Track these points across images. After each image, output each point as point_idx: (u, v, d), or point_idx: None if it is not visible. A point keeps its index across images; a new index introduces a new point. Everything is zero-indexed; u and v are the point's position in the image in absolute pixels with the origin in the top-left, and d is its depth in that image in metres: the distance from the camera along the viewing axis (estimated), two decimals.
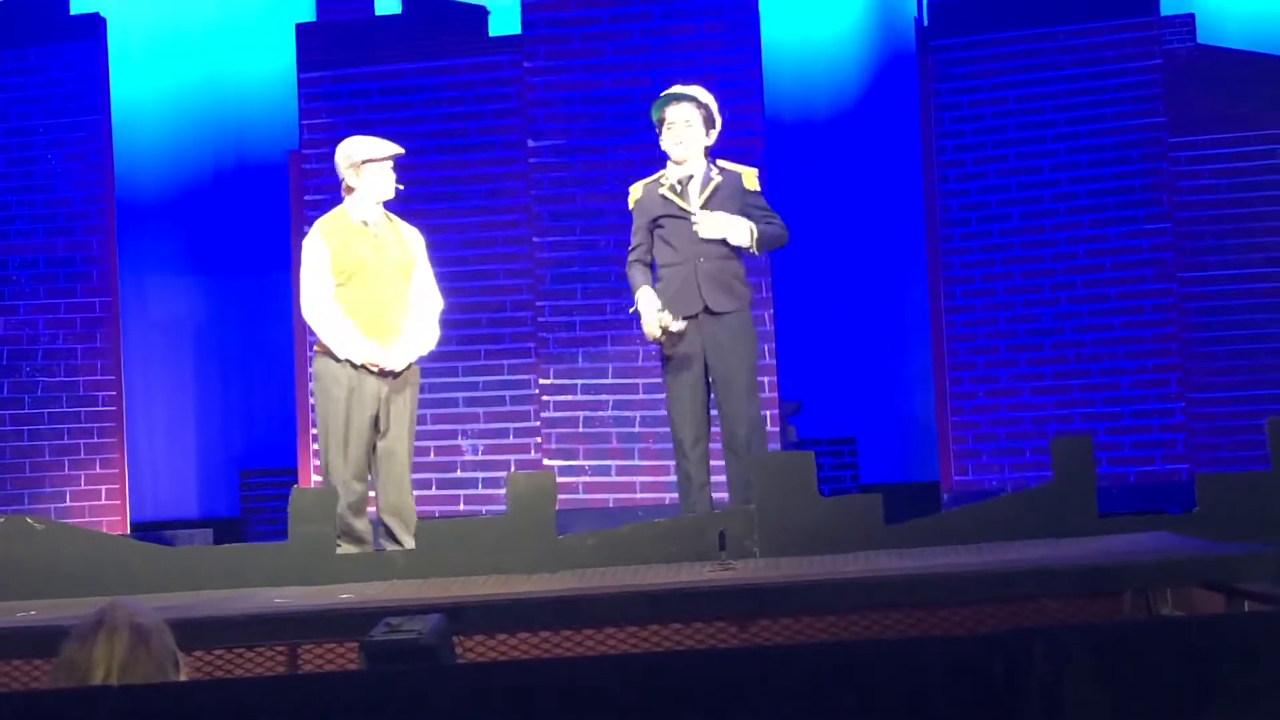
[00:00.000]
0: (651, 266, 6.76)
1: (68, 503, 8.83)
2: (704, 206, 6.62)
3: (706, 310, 6.56)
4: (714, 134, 6.75)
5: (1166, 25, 8.81)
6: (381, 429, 6.57)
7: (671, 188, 6.69)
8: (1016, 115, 8.82)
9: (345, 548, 6.38)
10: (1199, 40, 8.94)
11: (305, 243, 6.73)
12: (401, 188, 6.73)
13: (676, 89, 6.80)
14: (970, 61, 8.91)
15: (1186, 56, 8.83)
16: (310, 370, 6.78)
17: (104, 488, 8.88)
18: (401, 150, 6.74)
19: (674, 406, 6.61)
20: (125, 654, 3.05)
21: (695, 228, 6.58)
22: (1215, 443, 8.59)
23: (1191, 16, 9.02)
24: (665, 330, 6.48)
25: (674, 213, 6.65)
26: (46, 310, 8.97)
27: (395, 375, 6.57)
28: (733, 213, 6.61)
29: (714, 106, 6.75)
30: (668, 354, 6.59)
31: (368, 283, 6.59)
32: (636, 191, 6.80)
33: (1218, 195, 8.77)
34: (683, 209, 6.64)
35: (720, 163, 6.78)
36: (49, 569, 5.89)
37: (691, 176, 6.69)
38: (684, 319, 6.52)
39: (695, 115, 6.68)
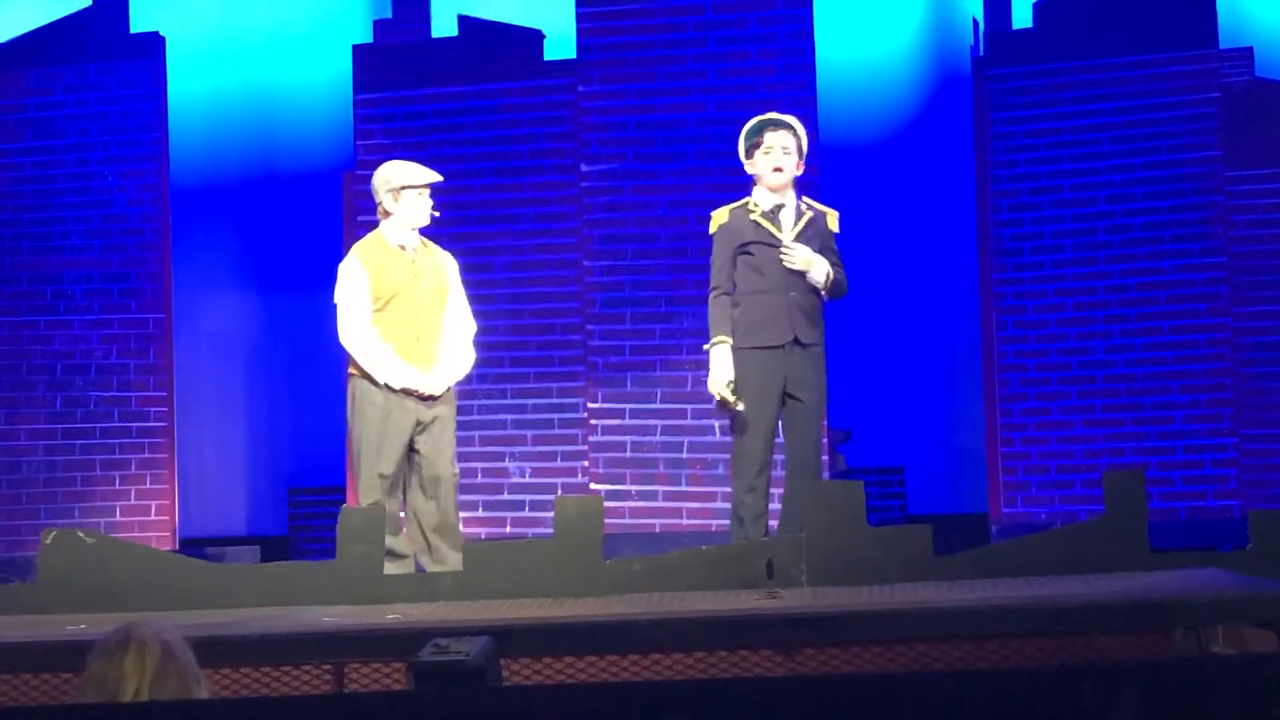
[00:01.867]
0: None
1: (117, 517, 8.88)
2: (794, 239, 6.60)
3: (796, 341, 6.55)
4: (802, 166, 6.73)
5: (1225, 58, 8.75)
6: (423, 453, 6.63)
7: (764, 214, 6.65)
8: (1072, 146, 8.78)
9: (388, 566, 6.41)
10: (1257, 73, 8.89)
11: (342, 267, 6.79)
12: (438, 214, 6.79)
13: (776, 115, 6.76)
14: (1026, 91, 8.88)
15: (1244, 89, 8.77)
16: (346, 393, 6.81)
17: (154, 503, 8.93)
18: (439, 178, 6.78)
19: (749, 437, 6.55)
20: (156, 668, 3.08)
21: (784, 258, 6.55)
22: (1268, 479, 8.51)
23: (1250, 49, 8.96)
24: (722, 399, 6.47)
25: (766, 240, 6.61)
26: (100, 325, 9.04)
27: (435, 399, 6.63)
28: (814, 250, 6.60)
29: (805, 139, 6.73)
30: (732, 410, 6.53)
31: (405, 307, 6.66)
32: (722, 216, 6.71)
33: (1274, 230, 8.70)
34: (775, 237, 6.61)
35: (806, 199, 6.77)
36: (99, 583, 5.92)
37: (782, 206, 6.67)
38: (769, 347, 6.51)
39: (793, 144, 6.67)
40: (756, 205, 6.68)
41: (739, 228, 6.65)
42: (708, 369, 6.68)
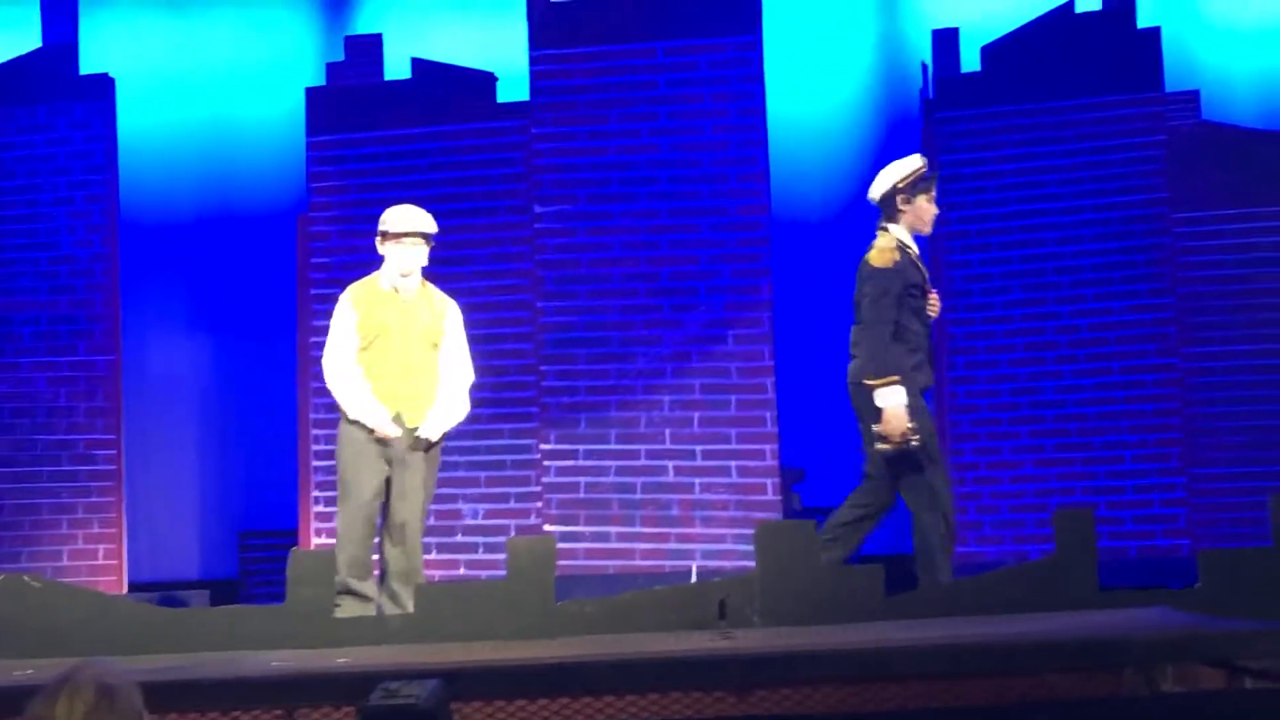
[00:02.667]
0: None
1: (65, 562, 8.79)
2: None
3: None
4: None
5: (1171, 101, 8.84)
6: (396, 494, 6.64)
7: (919, 258, 6.71)
8: (1020, 188, 8.85)
9: (349, 607, 6.41)
10: (1203, 116, 8.98)
11: (336, 306, 6.90)
12: (425, 264, 6.85)
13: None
14: (974, 134, 8.95)
15: (1191, 132, 8.86)
16: (338, 431, 6.82)
17: (102, 547, 8.85)
18: (422, 228, 6.81)
19: (935, 470, 6.55)
20: (86, 712, 3.05)
21: (933, 306, 6.70)
22: (1217, 518, 8.56)
23: (1196, 93, 9.06)
24: (904, 436, 6.44)
25: (922, 285, 6.67)
26: (48, 368, 8.98)
27: (427, 448, 6.71)
28: None
29: None
30: (905, 447, 6.48)
31: (390, 348, 6.72)
32: (897, 255, 6.59)
33: (1221, 271, 8.78)
34: (927, 283, 6.71)
35: None
36: (46, 628, 5.86)
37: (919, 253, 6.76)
38: (925, 389, 6.66)
39: None
40: (911, 248, 6.68)
41: (908, 269, 6.62)
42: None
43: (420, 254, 6.82)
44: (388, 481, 6.66)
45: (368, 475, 6.64)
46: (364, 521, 6.65)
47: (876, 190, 6.74)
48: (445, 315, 6.89)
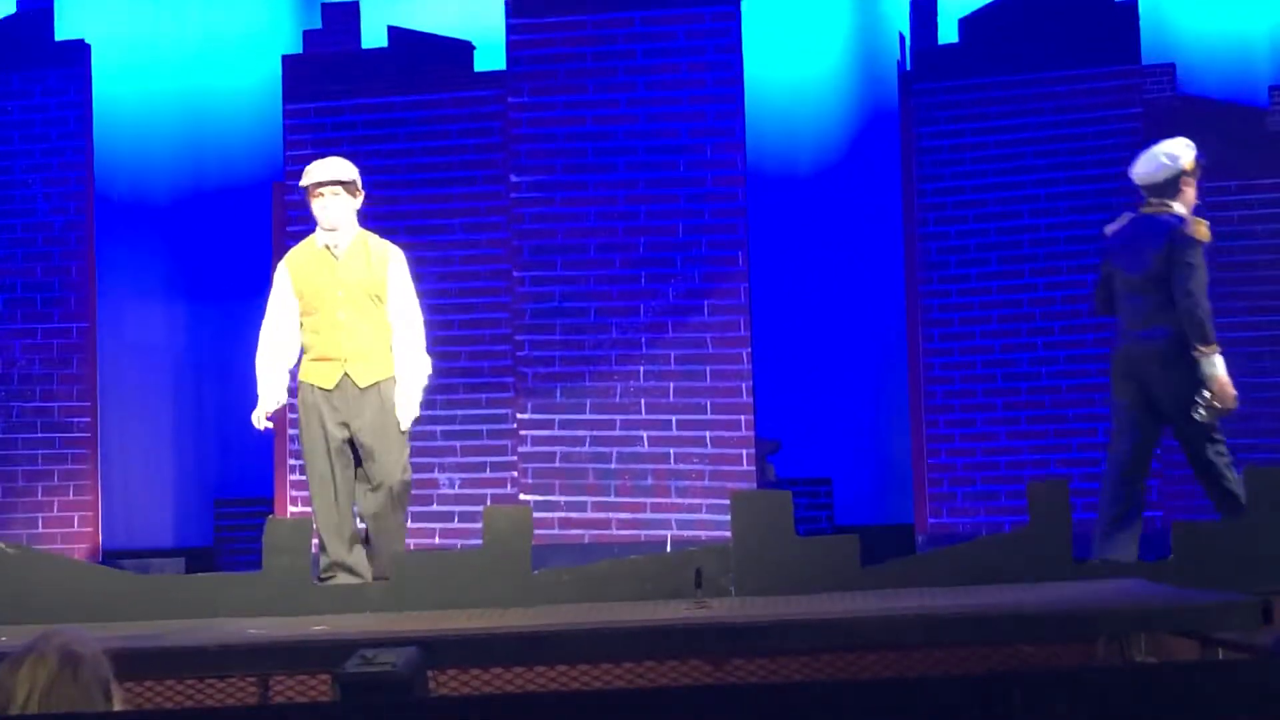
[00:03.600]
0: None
1: (40, 529, 8.77)
2: None
3: None
4: None
5: (1148, 74, 8.86)
6: (364, 456, 6.58)
7: None
8: (997, 160, 8.87)
9: (343, 578, 6.37)
10: (1179, 90, 9.00)
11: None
12: (349, 213, 6.67)
13: None
14: (952, 106, 8.95)
15: (1167, 105, 8.89)
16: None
17: (76, 514, 8.83)
18: (326, 177, 6.63)
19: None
20: (49, 679, 3.05)
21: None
22: (1190, 490, 8.58)
23: (1172, 66, 9.08)
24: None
25: None
26: (23, 335, 8.94)
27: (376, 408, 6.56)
28: None
29: None
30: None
31: (323, 307, 6.63)
32: (1207, 232, 6.89)
33: None
34: None
35: None
36: (21, 595, 5.85)
37: None
38: None
39: None
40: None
41: None
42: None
43: (338, 204, 6.61)
44: (352, 445, 6.58)
45: (320, 440, 6.56)
46: (328, 487, 6.54)
47: (1160, 173, 6.91)
48: (387, 265, 6.68)
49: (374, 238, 6.79)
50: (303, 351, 6.72)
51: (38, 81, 9.04)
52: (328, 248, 6.67)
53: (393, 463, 6.60)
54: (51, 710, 3.00)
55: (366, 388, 6.58)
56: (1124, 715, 2.64)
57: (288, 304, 6.70)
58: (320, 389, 6.59)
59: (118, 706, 3.18)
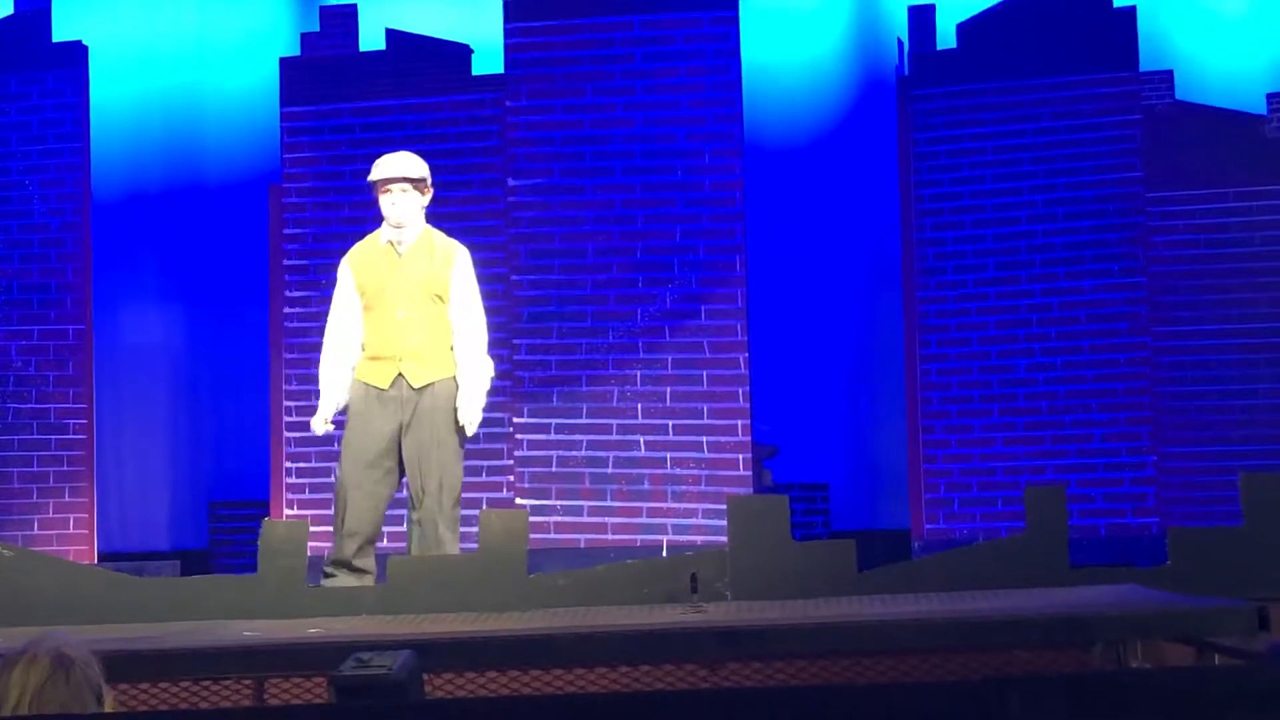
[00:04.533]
0: None
1: (35, 531, 8.76)
2: None
3: None
4: None
5: (1146, 81, 8.87)
6: (409, 460, 6.41)
7: None
8: (994, 166, 8.87)
9: (343, 580, 6.31)
10: (1177, 96, 9.01)
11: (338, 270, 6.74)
12: (417, 209, 6.55)
13: None
14: (949, 111, 8.96)
15: (1165, 112, 8.90)
16: None
17: (72, 516, 8.82)
18: (397, 173, 6.52)
19: None
20: (41, 682, 3.07)
21: None
22: (1187, 497, 8.62)
23: (1170, 73, 9.09)
24: None
25: None
26: (19, 336, 8.93)
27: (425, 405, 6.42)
28: None
29: None
30: None
31: (385, 305, 6.49)
32: None
33: (1193, 250, 8.82)
34: None
35: None
36: (16, 597, 5.84)
37: None
38: None
39: None
40: None
41: None
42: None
43: (407, 201, 6.50)
44: (399, 449, 6.42)
45: (364, 441, 6.41)
46: (360, 491, 6.39)
47: None
48: (451, 264, 6.55)
49: (440, 235, 6.65)
50: (362, 349, 6.56)
51: (35, 83, 9.04)
52: (392, 244, 6.54)
53: (441, 466, 6.40)
54: (43, 713, 3.01)
55: (421, 388, 6.43)
56: None
57: (350, 302, 6.56)
58: (374, 388, 6.45)
59: (109, 709, 3.19)
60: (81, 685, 3.11)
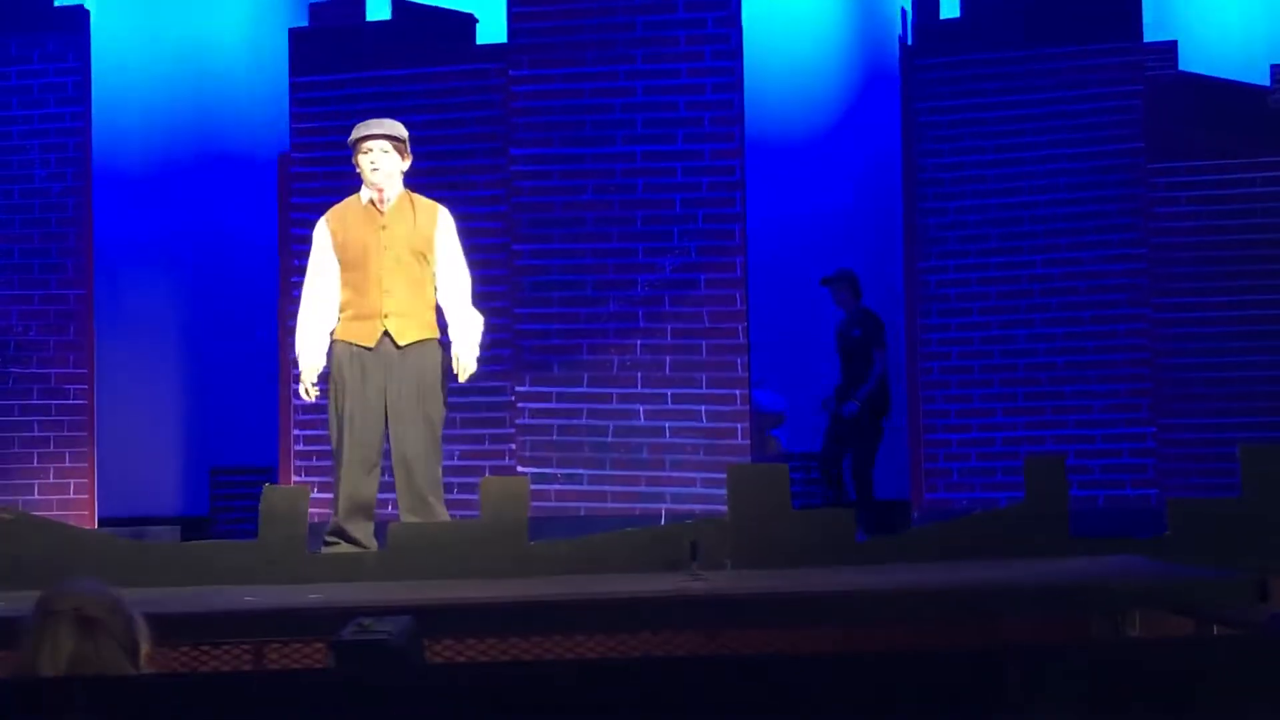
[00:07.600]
0: None
1: (35, 495, 8.77)
2: None
3: None
4: None
5: (1149, 51, 8.84)
6: (393, 420, 6.39)
7: None
8: (997, 136, 8.84)
9: (344, 548, 6.30)
10: (1181, 67, 8.99)
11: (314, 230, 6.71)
12: (397, 169, 6.56)
13: None
14: (952, 81, 8.93)
15: (1168, 83, 8.87)
16: None
17: (73, 481, 8.83)
18: (376, 130, 6.54)
19: None
20: (71, 659, 3.03)
21: None
22: (1186, 468, 8.62)
23: (1174, 43, 9.07)
24: None
25: None
26: (20, 301, 8.93)
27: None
28: None
29: None
30: None
31: (365, 264, 6.47)
32: None
33: (1194, 222, 8.81)
34: None
35: None
36: (16, 560, 5.85)
37: None
38: None
39: None
40: None
41: None
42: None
43: (387, 161, 6.50)
44: (386, 410, 6.40)
45: (351, 402, 6.38)
46: (361, 460, 6.36)
47: None
48: (435, 222, 6.56)
49: (419, 196, 6.66)
50: (340, 310, 6.54)
51: (36, 46, 9.01)
52: (373, 203, 6.53)
53: (425, 427, 6.40)
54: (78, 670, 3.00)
55: (405, 346, 6.42)
56: (1118, 691, 2.65)
57: (328, 265, 6.54)
58: (358, 347, 6.42)
59: (145, 654, 3.16)
60: (110, 645, 3.09)
